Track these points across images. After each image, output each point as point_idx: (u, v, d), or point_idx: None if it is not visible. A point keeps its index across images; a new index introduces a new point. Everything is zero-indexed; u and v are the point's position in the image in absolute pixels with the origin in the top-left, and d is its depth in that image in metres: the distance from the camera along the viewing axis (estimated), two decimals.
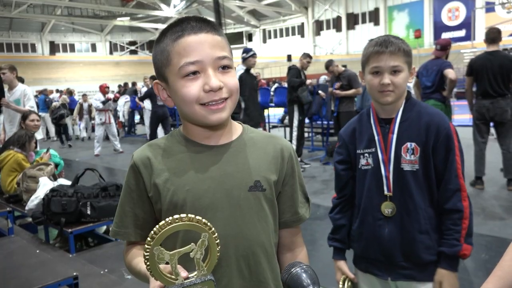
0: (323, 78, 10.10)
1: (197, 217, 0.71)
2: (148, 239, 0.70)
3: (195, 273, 0.73)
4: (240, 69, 5.49)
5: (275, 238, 0.99)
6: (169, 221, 0.70)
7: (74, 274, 2.06)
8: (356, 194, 1.54)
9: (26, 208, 3.29)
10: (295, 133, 6.26)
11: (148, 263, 0.70)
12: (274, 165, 0.97)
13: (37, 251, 2.42)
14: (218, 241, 0.73)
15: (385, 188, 1.44)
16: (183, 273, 0.72)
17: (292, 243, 1.03)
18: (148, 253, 0.70)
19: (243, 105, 5.35)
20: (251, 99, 5.45)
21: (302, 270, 0.71)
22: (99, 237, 3.52)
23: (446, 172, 1.39)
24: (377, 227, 1.46)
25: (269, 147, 0.99)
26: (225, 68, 0.90)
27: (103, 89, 9.19)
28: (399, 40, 1.42)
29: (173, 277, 0.72)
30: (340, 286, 1.55)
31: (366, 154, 1.48)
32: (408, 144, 1.42)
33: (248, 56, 5.56)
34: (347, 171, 1.56)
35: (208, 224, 0.72)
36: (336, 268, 1.60)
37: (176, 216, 0.70)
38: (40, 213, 3.09)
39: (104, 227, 3.45)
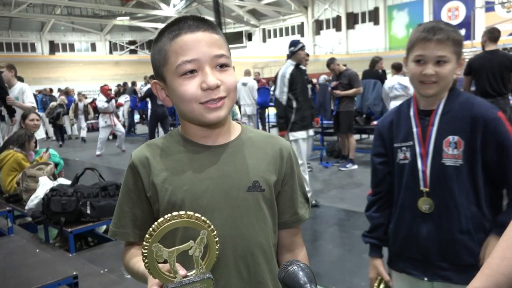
0: (323, 78, 10.08)
1: (196, 214, 0.71)
2: (147, 236, 0.69)
3: (194, 271, 0.73)
4: (289, 65, 4.87)
5: (274, 239, 0.98)
6: (168, 218, 0.69)
7: (74, 273, 2.06)
8: (394, 191, 1.45)
9: (26, 207, 3.29)
10: None
11: (146, 261, 0.70)
12: (273, 165, 0.97)
13: (37, 251, 2.41)
14: (217, 239, 0.73)
15: (421, 183, 1.36)
16: (182, 271, 0.72)
17: (292, 243, 1.03)
18: (146, 250, 0.69)
19: (294, 104, 4.74)
20: (302, 97, 4.84)
21: (299, 268, 0.71)
22: (99, 236, 3.52)
23: (508, 167, 1.26)
24: (414, 225, 1.38)
25: (268, 147, 0.98)
26: (223, 66, 0.90)
27: (105, 91, 8.98)
28: (449, 27, 1.29)
29: (171, 275, 0.72)
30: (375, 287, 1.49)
31: (404, 148, 1.40)
32: (451, 137, 1.32)
33: (297, 49, 4.84)
34: (384, 165, 1.47)
35: (207, 221, 0.72)
36: (371, 266, 1.51)
37: (175, 213, 0.70)
38: (40, 213, 3.09)
39: (104, 227, 3.46)
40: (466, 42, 23.28)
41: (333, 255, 3.37)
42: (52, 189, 3.07)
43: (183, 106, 0.90)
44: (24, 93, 5.06)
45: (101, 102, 8.76)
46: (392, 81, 6.44)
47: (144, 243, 0.69)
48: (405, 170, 1.40)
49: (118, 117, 12.23)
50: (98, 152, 8.90)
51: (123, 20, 32.62)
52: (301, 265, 0.72)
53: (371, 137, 9.20)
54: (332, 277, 2.90)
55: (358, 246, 3.48)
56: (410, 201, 1.39)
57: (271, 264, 0.97)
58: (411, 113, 1.40)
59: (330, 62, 6.54)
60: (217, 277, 0.90)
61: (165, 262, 0.72)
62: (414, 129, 1.37)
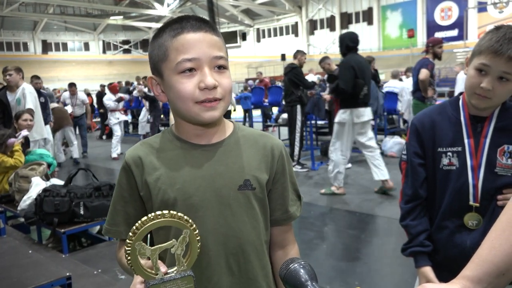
0: (317, 77, 10.09)
1: (179, 214, 0.72)
2: (130, 234, 0.71)
3: (175, 268, 0.75)
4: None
5: (265, 236, 1.00)
6: (152, 217, 0.71)
7: (67, 274, 2.04)
8: (437, 196, 1.35)
9: (19, 208, 3.26)
10: (298, 135, 6.15)
11: (129, 258, 0.71)
12: (265, 163, 0.98)
13: (30, 252, 2.40)
14: (199, 238, 0.75)
15: (471, 197, 1.27)
16: (163, 268, 0.74)
17: (283, 240, 1.04)
18: (129, 248, 0.71)
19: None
20: None
21: (301, 266, 0.72)
22: (92, 237, 3.50)
23: None
24: (457, 233, 1.30)
25: (259, 146, 1.00)
26: (221, 68, 0.91)
27: (115, 89, 8.80)
28: None
29: (153, 272, 0.74)
30: None
31: (450, 153, 1.30)
32: (506, 146, 1.25)
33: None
34: (423, 167, 1.36)
35: (190, 221, 0.73)
36: (420, 276, 1.36)
37: (158, 212, 0.71)
38: (33, 213, 3.06)
39: (98, 227, 3.43)
40: (458, 43, 23.59)
41: (328, 254, 3.38)
42: (45, 190, 3.04)
43: (179, 103, 0.91)
44: (24, 95, 5.06)
45: (110, 100, 8.49)
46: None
47: (128, 241, 0.71)
48: (451, 177, 1.31)
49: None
50: (114, 155, 8.21)
51: (117, 20, 32.51)
52: (302, 263, 0.72)
53: None
54: (327, 276, 2.91)
55: (353, 245, 3.50)
56: (455, 212, 1.31)
57: (263, 261, 0.98)
58: (462, 118, 1.31)
59: (321, 60, 6.49)
60: (209, 275, 0.92)
61: (148, 258, 0.74)
62: (466, 140, 1.29)
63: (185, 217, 0.73)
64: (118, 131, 8.51)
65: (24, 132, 4.00)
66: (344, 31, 30.52)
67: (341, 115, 4.74)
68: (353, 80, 4.52)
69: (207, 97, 0.88)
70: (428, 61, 5.16)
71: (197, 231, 0.74)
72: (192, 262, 0.75)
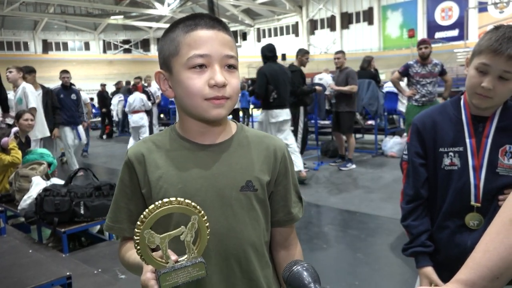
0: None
1: (187, 201, 0.72)
2: (138, 223, 0.70)
3: (185, 256, 0.75)
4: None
5: (266, 237, 1.00)
6: (159, 205, 0.71)
7: (67, 274, 2.04)
8: (438, 196, 1.35)
9: (19, 207, 3.27)
10: (300, 135, 6.15)
11: (138, 247, 0.71)
12: (267, 165, 0.98)
13: (30, 251, 2.40)
14: (207, 224, 0.74)
15: (472, 197, 1.27)
16: (173, 256, 0.74)
17: (286, 241, 1.04)
18: (138, 237, 0.70)
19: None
20: None
21: (304, 268, 0.72)
22: (92, 236, 3.51)
23: None
24: (458, 233, 1.31)
25: (262, 147, 0.99)
26: (231, 67, 0.91)
27: (141, 89, 8.60)
28: None
29: (163, 261, 0.73)
30: None
31: (451, 153, 1.30)
32: (507, 146, 1.25)
33: None
34: (424, 167, 1.36)
35: (198, 207, 0.73)
36: (422, 276, 1.36)
37: (165, 200, 0.71)
38: (33, 213, 3.07)
39: (98, 227, 3.44)
40: (459, 43, 23.55)
41: (328, 254, 3.38)
42: (45, 189, 3.04)
43: (187, 99, 0.90)
44: (25, 93, 5.07)
45: (144, 100, 7.98)
46: None
47: (136, 230, 0.70)
48: (453, 177, 1.31)
49: (112, 116, 12.16)
50: None
51: (117, 19, 32.46)
52: (305, 265, 0.72)
53: (366, 136, 9.24)
54: (326, 276, 2.91)
55: (353, 245, 3.50)
56: (456, 212, 1.31)
57: (263, 262, 0.98)
58: (463, 117, 1.31)
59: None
60: (210, 275, 0.91)
61: (157, 249, 0.74)
62: (468, 139, 1.29)
63: (193, 203, 0.72)
64: (138, 134, 7.94)
65: (14, 129, 4.01)
66: (345, 31, 30.71)
67: (260, 115, 5.53)
68: (265, 85, 5.18)
69: (216, 95, 0.88)
70: (406, 63, 5.45)
71: (205, 217, 0.74)
72: (202, 248, 0.75)
